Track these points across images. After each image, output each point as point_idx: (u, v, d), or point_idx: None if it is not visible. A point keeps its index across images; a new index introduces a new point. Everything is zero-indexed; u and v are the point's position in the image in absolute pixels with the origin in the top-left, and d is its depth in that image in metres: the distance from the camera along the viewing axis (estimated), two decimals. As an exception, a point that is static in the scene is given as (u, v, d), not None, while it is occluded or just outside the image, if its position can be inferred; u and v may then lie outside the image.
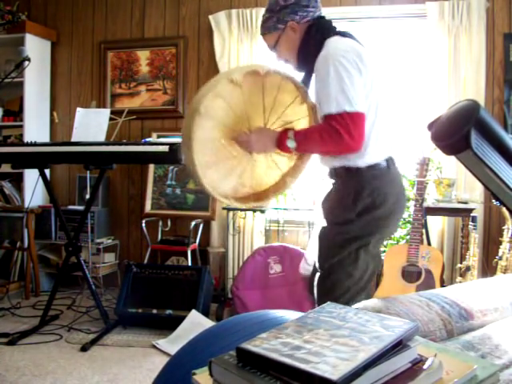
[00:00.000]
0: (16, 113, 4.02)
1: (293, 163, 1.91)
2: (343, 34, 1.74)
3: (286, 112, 1.82)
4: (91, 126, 3.13)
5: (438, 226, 3.41)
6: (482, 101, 3.34)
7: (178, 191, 3.82)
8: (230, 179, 1.80)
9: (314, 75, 1.72)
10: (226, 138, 1.72)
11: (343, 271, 1.70)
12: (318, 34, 1.74)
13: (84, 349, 2.67)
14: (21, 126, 3.91)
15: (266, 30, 1.82)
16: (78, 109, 3.25)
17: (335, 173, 1.75)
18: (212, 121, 1.67)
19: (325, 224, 1.77)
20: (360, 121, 1.58)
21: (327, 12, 3.59)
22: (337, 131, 1.56)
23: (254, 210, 3.44)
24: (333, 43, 1.66)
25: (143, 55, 4.02)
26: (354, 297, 1.70)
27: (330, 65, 1.58)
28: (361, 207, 1.66)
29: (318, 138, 1.62)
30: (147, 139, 3.22)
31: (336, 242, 1.70)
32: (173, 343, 2.70)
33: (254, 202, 1.89)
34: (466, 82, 3.34)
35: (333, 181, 1.79)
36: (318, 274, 1.79)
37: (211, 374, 0.67)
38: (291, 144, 1.67)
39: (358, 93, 1.58)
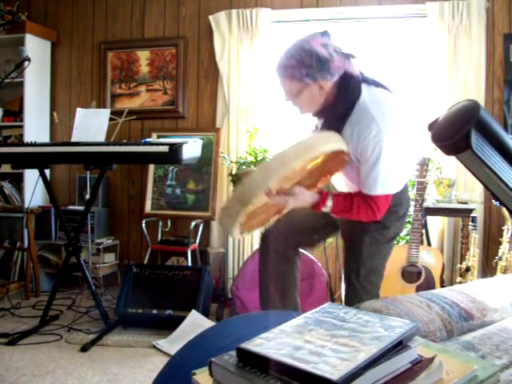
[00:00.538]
0: (16, 113, 4.02)
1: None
2: (376, 84, 1.72)
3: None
4: (91, 126, 3.13)
5: (438, 226, 3.41)
6: (482, 101, 3.34)
7: (177, 191, 3.82)
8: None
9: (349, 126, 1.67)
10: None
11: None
12: (350, 93, 1.67)
13: (84, 349, 2.67)
14: (21, 126, 3.91)
15: (288, 76, 1.64)
16: (78, 109, 3.25)
17: None
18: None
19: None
20: (389, 199, 1.75)
21: (327, 12, 3.62)
22: (372, 210, 1.71)
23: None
24: (375, 115, 1.62)
25: (143, 55, 4.01)
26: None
27: (382, 142, 1.60)
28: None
29: (352, 210, 1.72)
30: (147, 139, 3.22)
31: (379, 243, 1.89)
32: (173, 343, 2.70)
33: (247, 230, 1.82)
34: (466, 82, 3.34)
35: None
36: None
37: (211, 374, 0.68)
38: (326, 209, 1.73)
39: (401, 171, 1.75)
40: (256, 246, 3.58)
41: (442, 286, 2.83)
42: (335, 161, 1.74)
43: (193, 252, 3.59)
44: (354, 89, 1.66)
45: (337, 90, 1.66)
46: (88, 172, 3.38)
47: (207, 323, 2.77)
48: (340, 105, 1.68)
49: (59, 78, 4.21)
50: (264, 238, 2.06)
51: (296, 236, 2.01)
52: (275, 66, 1.69)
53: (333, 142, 1.61)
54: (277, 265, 2.01)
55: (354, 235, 1.89)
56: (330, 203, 1.72)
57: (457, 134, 0.84)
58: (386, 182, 1.68)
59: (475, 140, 0.82)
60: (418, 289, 2.75)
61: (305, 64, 1.60)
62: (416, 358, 0.68)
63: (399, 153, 1.67)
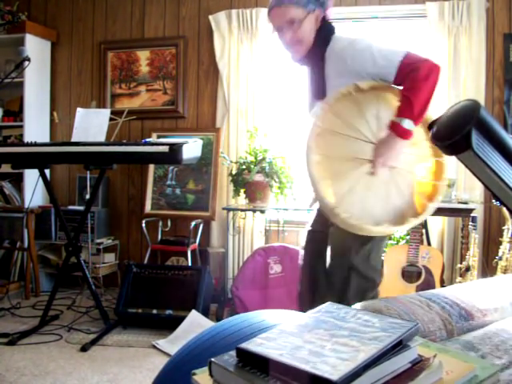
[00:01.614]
0: (16, 113, 4.02)
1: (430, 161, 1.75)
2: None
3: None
4: (91, 126, 3.12)
5: (438, 226, 3.41)
6: (482, 101, 3.34)
7: (177, 191, 3.82)
8: (378, 201, 1.64)
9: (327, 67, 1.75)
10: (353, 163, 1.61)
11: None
12: (329, 28, 1.79)
13: (84, 349, 2.67)
14: (21, 126, 3.91)
15: (294, 1, 1.73)
16: (78, 109, 3.25)
17: None
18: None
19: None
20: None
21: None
22: (416, 66, 1.60)
23: (254, 211, 3.44)
24: (347, 37, 1.74)
25: (143, 55, 4.01)
26: None
27: (366, 44, 1.69)
28: None
29: (413, 87, 1.59)
30: (147, 139, 3.22)
31: None
32: (173, 343, 2.70)
33: (413, 218, 1.65)
34: (466, 82, 3.34)
35: None
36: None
37: (211, 374, 0.67)
38: (407, 123, 1.58)
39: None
40: (255, 246, 3.58)
41: (442, 286, 2.83)
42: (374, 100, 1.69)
43: (193, 252, 3.59)
44: (330, 25, 1.79)
45: (322, 24, 1.77)
46: (88, 172, 3.38)
47: (207, 323, 2.77)
48: (321, 40, 1.76)
49: (59, 77, 4.21)
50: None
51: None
52: (273, 1, 1.75)
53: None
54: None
55: None
56: (406, 122, 1.58)
57: (457, 133, 0.84)
58: (393, 49, 1.68)
59: (475, 140, 0.82)
60: (418, 289, 2.75)
61: None
62: (416, 357, 0.68)
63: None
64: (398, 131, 1.59)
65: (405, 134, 1.59)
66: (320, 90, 1.80)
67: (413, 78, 1.59)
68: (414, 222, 1.65)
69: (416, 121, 1.59)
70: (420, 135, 1.69)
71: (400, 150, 1.62)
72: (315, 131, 1.58)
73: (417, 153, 1.71)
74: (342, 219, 1.54)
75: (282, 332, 0.71)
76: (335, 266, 1.81)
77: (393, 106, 1.67)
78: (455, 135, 0.85)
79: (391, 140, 1.60)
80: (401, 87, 1.67)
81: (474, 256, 2.87)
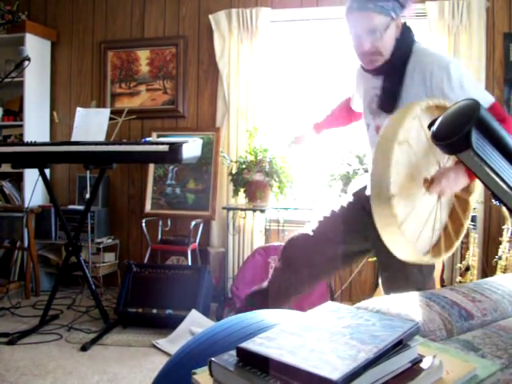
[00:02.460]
0: (16, 113, 4.02)
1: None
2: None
3: None
4: (91, 125, 3.12)
5: (438, 225, 3.40)
6: (482, 100, 3.33)
7: (177, 191, 3.82)
8: (426, 229, 1.54)
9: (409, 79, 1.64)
10: (414, 181, 1.44)
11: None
12: (410, 36, 1.68)
13: (84, 348, 2.67)
14: (21, 126, 3.91)
15: (378, 8, 1.57)
16: (78, 109, 3.25)
17: None
18: (407, 157, 1.40)
19: None
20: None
21: (327, 11, 3.62)
22: (507, 118, 1.60)
23: (254, 210, 3.44)
24: (437, 53, 1.67)
25: (143, 55, 4.01)
26: None
27: (456, 70, 1.58)
28: None
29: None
30: (147, 139, 3.22)
31: None
32: (173, 343, 2.70)
33: (444, 253, 1.59)
34: (466, 81, 3.34)
35: None
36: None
37: (211, 374, 0.67)
38: None
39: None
40: (255, 245, 3.58)
41: (442, 286, 2.83)
42: None
43: (193, 251, 3.59)
44: (412, 32, 1.68)
45: (403, 31, 1.66)
46: (88, 172, 3.38)
47: (207, 323, 2.77)
48: (401, 51, 1.64)
49: (59, 77, 4.21)
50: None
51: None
52: (354, 4, 1.58)
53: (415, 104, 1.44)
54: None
55: None
56: None
57: (457, 133, 0.84)
58: (485, 94, 1.65)
59: (475, 139, 0.82)
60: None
61: None
62: (416, 357, 0.68)
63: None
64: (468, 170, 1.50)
65: (473, 175, 1.55)
66: (391, 103, 1.67)
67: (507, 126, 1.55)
68: (437, 259, 1.61)
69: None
70: None
71: (461, 186, 1.54)
72: (393, 162, 1.35)
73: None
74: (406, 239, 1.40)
75: (282, 332, 0.71)
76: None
77: None
78: (455, 135, 0.85)
79: (457, 175, 1.49)
80: None
81: (473, 255, 2.87)
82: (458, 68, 1.59)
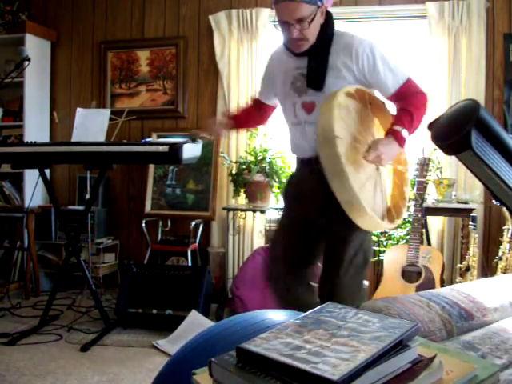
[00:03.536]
0: (16, 113, 4.02)
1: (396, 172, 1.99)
2: None
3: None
4: (91, 126, 3.12)
5: (437, 226, 3.40)
6: (482, 101, 3.33)
7: (178, 191, 3.82)
8: (378, 197, 1.81)
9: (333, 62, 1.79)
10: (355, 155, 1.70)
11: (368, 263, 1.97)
12: (331, 23, 1.82)
13: (84, 349, 2.67)
14: (21, 126, 3.90)
15: None
16: (78, 109, 3.25)
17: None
18: (346, 132, 1.68)
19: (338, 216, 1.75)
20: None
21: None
22: (418, 93, 1.81)
23: (254, 211, 3.44)
24: (356, 35, 1.82)
25: (143, 55, 4.01)
26: None
27: (377, 50, 1.78)
28: None
29: (417, 110, 1.77)
30: (147, 139, 3.22)
31: (367, 236, 1.91)
32: (173, 343, 2.70)
33: (397, 219, 1.87)
34: (466, 82, 3.34)
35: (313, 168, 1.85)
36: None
37: (211, 374, 0.67)
38: (405, 133, 1.74)
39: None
40: (256, 245, 3.58)
41: (442, 286, 2.83)
42: (370, 107, 1.83)
43: (193, 252, 3.59)
44: (332, 19, 1.82)
45: (326, 18, 1.79)
46: (88, 172, 3.38)
47: (207, 323, 2.77)
48: (326, 35, 1.79)
49: (59, 77, 4.21)
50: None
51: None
52: None
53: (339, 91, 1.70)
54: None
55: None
56: (405, 132, 1.73)
57: (457, 133, 0.84)
58: (399, 71, 1.81)
59: (475, 140, 0.82)
60: (418, 289, 2.75)
61: None
62: (416, 357, 0.68)
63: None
64: (397, 137, 1.72)
65: (403, 142, 1.74)
66: (319, 80, 1.81)
67: (417, 99, 1.79)
68: (392, 226, 1.90)
69: (410, 134, 1.77)
70: None
71: (395, 155, 1.78)
72: (335, 115, 1.63)
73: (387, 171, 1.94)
74: (366, 213, 1.63)
75: (282, 332, 0.71)
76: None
77: (376, 123, 1.90)
78: (455, 135, 0.85)
79: (390, 143, 1.72)
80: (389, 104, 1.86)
81: (473, 256, 2.87)
82: (378, 46, 1.80)
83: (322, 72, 1.80)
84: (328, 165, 1.62)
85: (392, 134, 1.72)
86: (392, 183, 1.96)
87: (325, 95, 1.76)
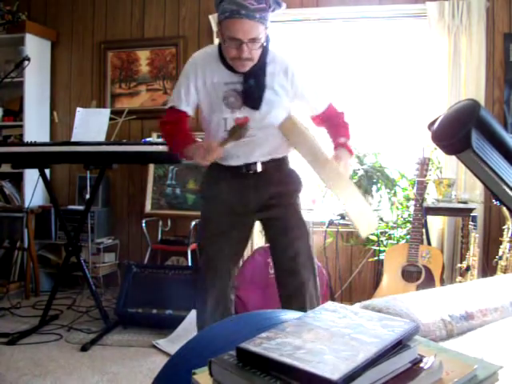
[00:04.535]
0: (16, 113, 4.02)
1: None
2: None
3: None
4: (91, 126, 3.12)
5: (437, 225, 3.40)
6: (482, 101, 3.33)
7: (177, 191, 3.81)
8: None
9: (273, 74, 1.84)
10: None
11: None
12: (268, 44, 1.84)
13: (84, 349, 2.67)
14: (21, 126, 3.90)
15: (262, 18, 1.69)
16: (78, 109, 3.25)
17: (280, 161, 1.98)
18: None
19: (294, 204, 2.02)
20: None
21: (327, 12, 3.62)
22: (340, 112, 1.98)
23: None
24: (289, 55, 1.91)
25: (143, 55, 4.01)
26: None
27: (309, 71, 1.93)
28: None
29: (345, 123, 1.96)
30: (147, 139, 3.22)
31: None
32: (173, 343, 2.70)
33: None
34: (466, 82, 3.34)
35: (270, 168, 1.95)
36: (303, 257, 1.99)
37: (211, 374, 0.67)
38: (349, 143, 1.91)
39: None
40: (255, 245, 3.57)
41: (442, 286, 2.83)
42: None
43: (193, 252, 3.59)
44: (269, 40, 1.84)
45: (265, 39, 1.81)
46: (88, 172, 3.38)
47: (207, 323, 2.77)
48: (263, 56, 1.80)
49: (59, 77, 4.21)
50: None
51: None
52: (241, 10, 1.65)
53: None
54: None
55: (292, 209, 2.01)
56: (349, 143, 1.90)
57: (457, 133, 0.84)
58: (325, 90, 1.98)
59: (475, 139, 0.82)
60: (418, 288, 2.75)
61: (268, 6, 1.73)
62: (416, 357, 0.68)
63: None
64: (349, 149, 1.88)
65: (351, 151, 1.90)
66: (257, 100, 1.82)
67: (343, 117, 1.97)
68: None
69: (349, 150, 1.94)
70: None
71: (350, 162, 1.92)
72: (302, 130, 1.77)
73: None
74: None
75: (282, 332, 0.71)
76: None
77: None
78: (455, 135, 0.85)
79: (345, 153, 1.85)
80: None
81: (474, 256, 2.86)
82: (309, 68, 1.96)
83: (260, 92, 1.82)
84: (306, 153, 1.77)
85: (342, 146, 1.86)
86: None
87: (259, 112, 1.83)
